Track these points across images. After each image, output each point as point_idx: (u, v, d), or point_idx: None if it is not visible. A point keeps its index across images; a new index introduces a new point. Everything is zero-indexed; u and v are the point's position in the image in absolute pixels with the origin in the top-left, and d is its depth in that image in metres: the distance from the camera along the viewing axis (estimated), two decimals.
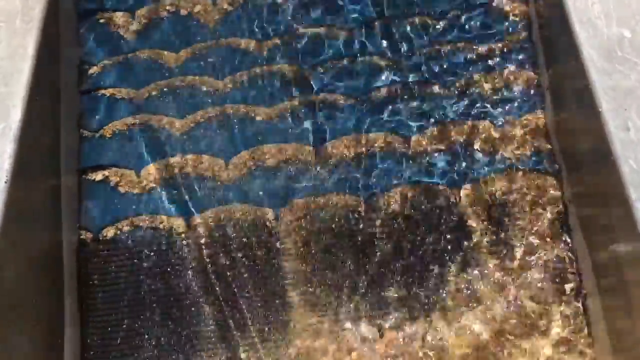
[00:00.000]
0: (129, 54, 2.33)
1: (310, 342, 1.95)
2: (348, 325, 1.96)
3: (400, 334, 1.93)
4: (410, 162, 2.12)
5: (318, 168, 2.14)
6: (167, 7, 2.40)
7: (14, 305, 1.74)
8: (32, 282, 1.85)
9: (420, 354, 1.89)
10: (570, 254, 1.99)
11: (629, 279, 1.74)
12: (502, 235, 2.02)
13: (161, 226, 2.10)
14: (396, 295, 1.97)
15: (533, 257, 1.99)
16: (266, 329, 1.97)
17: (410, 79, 2.23)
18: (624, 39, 1.81)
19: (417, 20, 2.30)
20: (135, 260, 2.07)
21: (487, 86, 2.19)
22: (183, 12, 2.40)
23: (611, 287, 1.85)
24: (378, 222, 2.05)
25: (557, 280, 1.96)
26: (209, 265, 2.04)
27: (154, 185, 2.15)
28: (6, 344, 1.69)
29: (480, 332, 1.91)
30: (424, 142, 2.14)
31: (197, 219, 2.09)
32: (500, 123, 2.14)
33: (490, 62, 2.22)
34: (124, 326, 2.01)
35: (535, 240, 2.01)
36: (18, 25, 2.00)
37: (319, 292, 2.00)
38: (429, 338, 1.91)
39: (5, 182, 1.75)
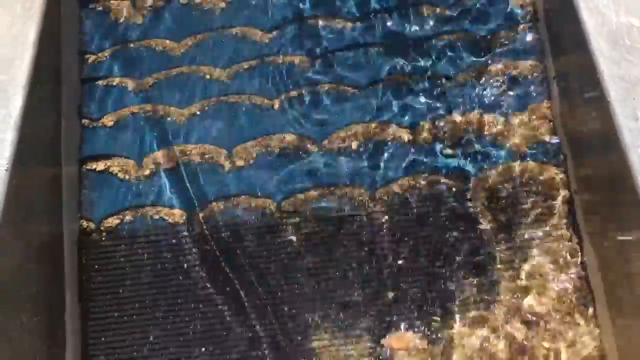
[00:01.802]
0: (131, 43, 2.32)
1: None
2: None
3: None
4: (417, 153, 2.11)
5: (323, 159, 2.12)
6: None
7: (14, 294, 1.73)
8: (32, 271, 1.84)
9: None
10: (576, 246, 1.97)
11: (636, 270, 1.73)
12: (508, 226, 2.01)
13: (163, 216, 2.08)
14: (400, 295, 1.96)
15: (538, 248, 1.98)
16: (273, 322, 1.96)
17: (416, 69, 2.21)
18: (633, 27, 1.81)
19: (423, 9, 2.29)
20: (136, 251, 2.05)
21: (493, 76, 2.18)
22: (186, 0, 2.38)
23: (617, 278, 1.84)
24: (383, 214, 2.04)
25: (563, 272, 1.95)
26: (212, 256, 2.03)
27: (156, 175, 2.13)
28: (6, 334, 1.68)
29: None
30: (430, 133, 2.13)
31: (200, 209, 2.08)
32: (507, 113, 2.13)
33: (496, 51, 2.21)
34: (126, 318, 1.99)
35: (540, 231, 2.00)
36: (19, 12, 1.98)
37: (324, 284, 1.99)
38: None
39: (6, 170, 1.73)
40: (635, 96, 1.73)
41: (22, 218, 1.81)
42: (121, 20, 2.36)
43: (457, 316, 1.92)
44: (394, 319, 1.93)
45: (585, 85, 1.88)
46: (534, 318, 1.90)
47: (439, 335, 1.90)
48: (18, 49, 1.92)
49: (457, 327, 1.91)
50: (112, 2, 2.38)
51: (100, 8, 2.38)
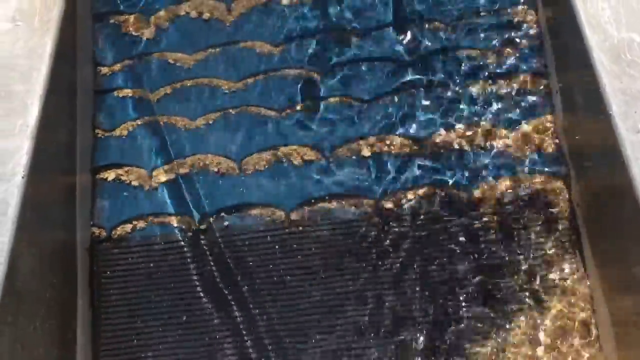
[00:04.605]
0: (143, 56, 2.36)
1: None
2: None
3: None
4: (422, 164, 2.14)
5: (331, 169, 2.16)
6: (181, 10, 2.43)
7: (28, 299, 1.76)
8: (45, 276, 1.87)
9: None
10: (579, 258, 2.00)
11: (638, 281, 1.75)
12: (512, 239, 2.04)
13: (173, 225, 2.12)
14: (408, 306, 1.99)
15: (541, 261, 2.01)
16: (280, 331, 1.99)
17: (421, 83, 2.25)
18: (634, 42, 1.83)
19: (428, 25, 2.32)
20: (147, 258, 2.09)
21: (498, 90, 2.21)
22: (196, 15, 2.43)
23: (620, 291, 1.86)
24: (389, 225, 2.07)
25: (566, 283, 1.98)
26: (222, 264, 2.06)
27: (167, 184, 2.17)
28: (20, 338, 1.70)
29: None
30: (434, 145, 2.16)
31: (209, 218, 2.11)
32: (511, 126, 2.16)
33: (501, 66, 2.24)
34: (136, 323, 2.02)
35: (543, 245, 2.03)
36: (36, 26, 2.03)
37: (331, 294, 2.02)
38: None
39: (23, 177, 1.77)
40: (636, 109, 1.75)
41: (36, 224, 1.84)
42: (133, 34, 2.41)
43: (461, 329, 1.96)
44: (401, 332, 1.96)
45: (588, 99, 1.91)
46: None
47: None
48: (35, 61, 1.96)
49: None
50: (125, 16, 2.43)
51: (114, 22, 2.43)
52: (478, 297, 1.98)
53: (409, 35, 2.32)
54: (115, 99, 2.31)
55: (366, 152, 2.17)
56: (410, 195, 2.10)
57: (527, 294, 1.98)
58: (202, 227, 2.11)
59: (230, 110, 2.26)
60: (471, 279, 2.00)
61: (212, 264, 2.07)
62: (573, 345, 1.91)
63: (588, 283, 1.97)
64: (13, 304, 1.67)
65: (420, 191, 2.11)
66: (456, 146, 2.16)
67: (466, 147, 2.15)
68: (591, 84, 1.84)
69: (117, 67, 2.35)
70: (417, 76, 2.26)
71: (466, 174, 2.12)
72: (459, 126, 2.17)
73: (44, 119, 1.89)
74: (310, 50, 2.33)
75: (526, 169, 2.10)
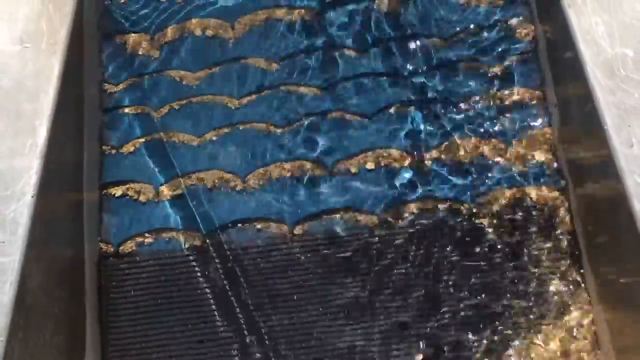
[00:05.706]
0: (149, 74, 2.41)
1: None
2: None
3: None
4: (419, 178, 2.17)
5: (333, 184, 2.19)
6: (186, 29, 2.48)
7: (37, 312, 1.79)
8: (54, 291, 1.90)
9: None
10: (578, 267, 2.02)
11: (635, 294, 1.77)
12: (512, 252, 2.06)
13: (179, 240, 2.15)
14: (405, 318, 2.02)
15: (541, 272, 2.03)
16: (285, 345, 2.02)
17: (419, 97, 2.28)
18: (627, 58, 1.86)
19: (426, 40, 2.35)
20: (154, 273, 2.13)
21: (495, 104, 2.24)
22: (201, 33, 2.47)
23: (618, 302, 1.88)
24: (390, 238, 2.10)
25: (565, 293, 2.01)
26: (229, 278, 2.10)
27: (173, 200, 2.21)
28: (30, 350, 1.73)
29: None
30: (432, 159, 2.19)
31: (214, 233, 2.15)
32: (509, 139, 2.19)
33: (498, 80, 2.27)
34: (143, 337, 2.06)
35: (543, 256, 2.05)
36: (44, 47, 2.07)
37: (335, 307, 2.05)
38: None
39: (32, 197, 1.81)
40: (630, 123, 1.77)
41: (46, 241, 1.87)
42: (139, 53, 2.45)
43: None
44: (402, 345, 1.99)
45: (583, 112, 1.92)
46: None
47: None
48: (43, 82, 2.01)
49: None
50: (130, 35, 2.48)
51: (120, 41, 2.48)
52: (478, 307, 2.01)
53: (407, 50, 2.35)
54: (122, 116, 2.35)
55: (368, 166, 2.20)
56: (412, 209, 2.13)
57: (527, 305, 2.00)
58: (208, 241, 2.14)
59: (235, 126, 2.30)
60: (472, 293, 2.02)
61: (218, 278, 2.10)
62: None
63: (587, 295, 1.99)
64: (23, 320, 1.70)
65: (422, 204, 2.13)
66: (456, 159, 2.18)
67: (465, 160, 2.18)
68: (586, 98, 1.86)
69: (123, 85, 2.40)
70: (417, 91, 2.29)
71: (466, 187, 2.14)
72: (458, 140, 2.20)
73: (52, 138, 1.93)
74: (312, 66, 2.37)
75: (524, 182, 2.13)
